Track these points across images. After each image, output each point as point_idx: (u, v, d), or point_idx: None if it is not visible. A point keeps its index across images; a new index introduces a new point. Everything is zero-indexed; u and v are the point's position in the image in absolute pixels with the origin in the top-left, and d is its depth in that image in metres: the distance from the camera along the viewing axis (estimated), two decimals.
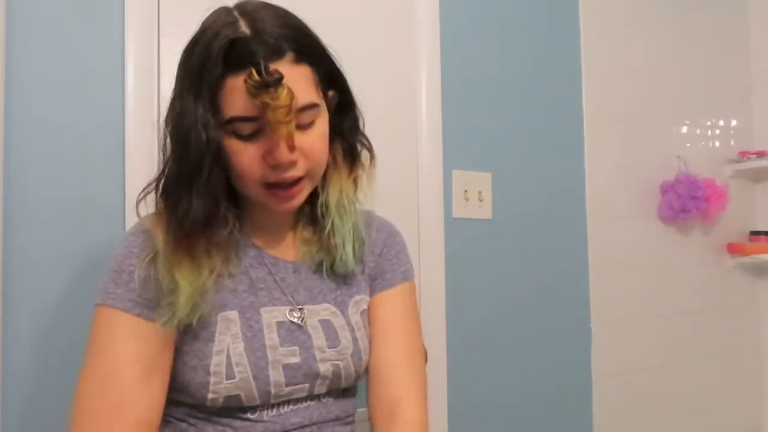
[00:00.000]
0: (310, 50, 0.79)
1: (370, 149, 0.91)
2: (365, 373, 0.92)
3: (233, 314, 0.81)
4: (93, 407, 0.75)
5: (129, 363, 0.76)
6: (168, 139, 0.80)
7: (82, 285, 1.17)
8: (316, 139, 0.79)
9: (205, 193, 0.76)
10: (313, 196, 0.88)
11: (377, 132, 1.57)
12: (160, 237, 0.79)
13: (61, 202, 1.18)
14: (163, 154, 0.81)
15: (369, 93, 1.54)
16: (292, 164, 0.77)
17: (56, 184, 1.18)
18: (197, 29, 0.78)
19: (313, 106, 0.78)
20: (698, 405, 2.02)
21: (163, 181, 0.81)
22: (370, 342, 0.91)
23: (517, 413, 1.70)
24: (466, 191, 1.65)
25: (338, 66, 0.85)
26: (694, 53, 2.10)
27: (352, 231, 0.87)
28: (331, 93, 0.84)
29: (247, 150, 0.76)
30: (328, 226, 0.86)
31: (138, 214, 0.84)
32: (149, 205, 0.84)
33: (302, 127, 0.77)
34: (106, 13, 1.24)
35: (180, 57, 0.80)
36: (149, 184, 0.83)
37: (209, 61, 0.73)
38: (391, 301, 0.93)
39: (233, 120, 0.75)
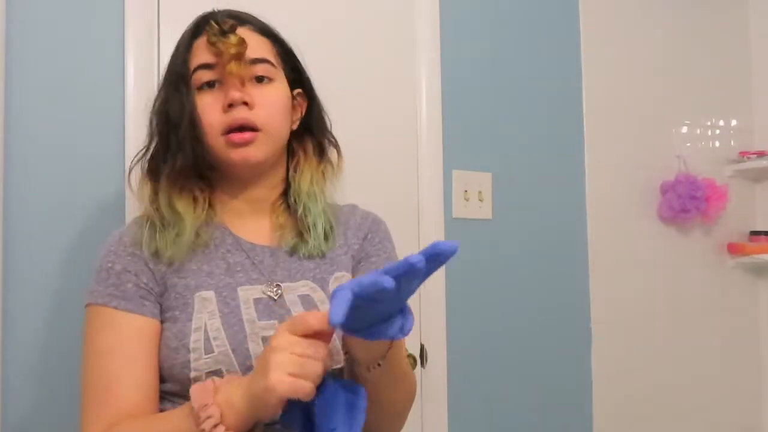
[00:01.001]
0: (275, 38, 0.91)
1: (336, 147, 0.99)
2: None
3: (209, 294, 0.84)
4: (89, 396, 0.81)
5: (111, 353, 0.81)
6: (155, 125, 0.88)
7: (80, 285, 1.18)
8: (271, 94, 0.87)
9: (192, 137, 0.84)
10: (287, 186, 0.95)
11: (377, 132, 1.58)
12: (147, 191, 0.87)
13: (61, 203, 1.18)
14: (150, 140, 0.89)
15: (369, 93, 1.56)
16: (245, 104, 0.84)
17: (56, 184, 1.18)
18: None
19: (266, 61, 0.87)
20: (698, 405, 2.02)
21: (150, 155, 0.89)
22: None
23: (517, 413, 1.70)
24: (466, 191, 1.65)
25: (304, 68, 0.95)
26: (694, 53, 2.10)
27: (323, 214, 0.93)
28: (298, 91, 0.94)
29: (208, 99, 0.85)
30: (301, 209, 0.91)
31: (129, 185, 0.92)
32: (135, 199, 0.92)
33: (258, 80, 0.87)
34: (106, 13, 1.24)
35: None
36: (137, 154, 0.90)
37: (184, 37, 0.88)
38: None
39: (195, 69, 0.85)
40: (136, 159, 0.91)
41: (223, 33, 0.83)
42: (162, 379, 0.84)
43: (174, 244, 0.84)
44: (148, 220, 0.87)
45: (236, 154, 0.85)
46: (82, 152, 1.20)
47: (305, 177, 0.93)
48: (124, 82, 1.24)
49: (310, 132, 0.96)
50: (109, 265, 0.84)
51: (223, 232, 0.90)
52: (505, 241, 1.70)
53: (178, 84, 0.85)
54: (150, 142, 0.89)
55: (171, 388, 0.83)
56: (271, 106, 0.87)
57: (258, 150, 0.86)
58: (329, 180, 0.96)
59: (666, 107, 2.03)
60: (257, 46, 0.87)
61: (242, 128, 0.84)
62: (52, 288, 1.16)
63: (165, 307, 0.84)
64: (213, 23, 0.84)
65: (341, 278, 0.92)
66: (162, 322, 0.84)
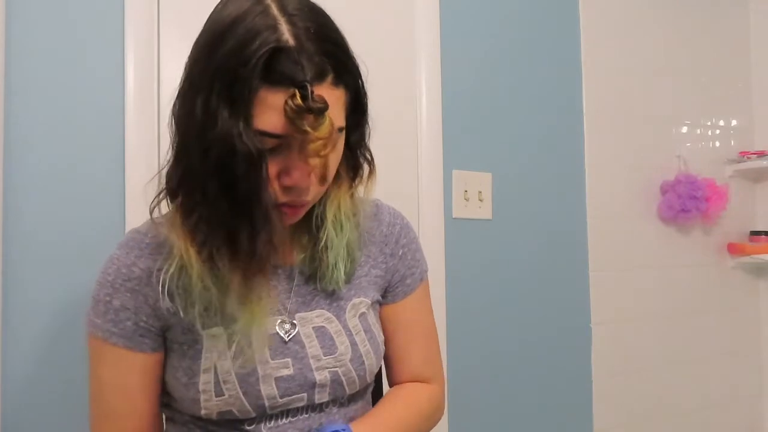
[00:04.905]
0: (347, 70, 0.75)
1: (371, 163, 0.86)
2: (371, 382, 0.91)
3: (218, 330, 0.78)
4: (92, 423, 0.84)
5: (111, 385, 0.81)
6: (176, 135, 0.73)
7: (79, 290, 1.18)
8: (333, 164, 0.76)
9: (268, 219, 0.70)
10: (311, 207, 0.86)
11: (377, 132, 1.57)
12: (190, 252, 0.73)
13: (60, 204, 1.18)
14: (172, 148, 0.73)
15: (369, 93, 1.55)
16: (308, 190, 0.74)
17: (55, 184, 1.18)
18: (223, 12, 0.70)
19: (340, 130, 0.74)
20: (698, 405, 2.02)
21: (187, 191, 0.72)
22: (393, 344, 0.92)
23: (517, 413, 1.70)
24: (466, 191, 1.65)
25: (364, 81, 0.81)
26: (694, 53, 2.10)
27: (345, 249, 0.84)
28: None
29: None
30: (323, 240, 0.83)
31: (152, 217, 0.79)
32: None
33: None
34: (106, 13, 1.23)
35: (200, 38, 0.71)
36: (161, 191, 0.77)
37: (246, 67, 0.65)
38: (413, 305, 0.94)
39: (259, 133, 0.67)
40: (156, 200, 0.77)
41: (310, 112, 0.66)
42: (171, 395, 0.83)
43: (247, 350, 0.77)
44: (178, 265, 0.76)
45: (281, 221, 0.75)
46: (82, 153, 1.20)
47: (332, 203, 0.83)
48: (124, 82, 1.23)
49: (348, 146, 0.82)
50: (107, 298, 0.78)
51: None
52: (505, 241, 1.70)
53: (246, 141, 0.66)
54: (175, 164, 0.73)
55: (181, 408, 0.82)
56: (330, 173, 0.76)
57: (303, 212, 0.79)
58: (357, 200, 0.86)
59: (666, 107, 2.03)
60: (336, 109, 0.71)
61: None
62: (50, 293, 1.16)
63: (171, 339, 0.80)
64: (299, 96, 0.65)
65: (358, 305, 0.86)
66: (168, 349, 0.81)
